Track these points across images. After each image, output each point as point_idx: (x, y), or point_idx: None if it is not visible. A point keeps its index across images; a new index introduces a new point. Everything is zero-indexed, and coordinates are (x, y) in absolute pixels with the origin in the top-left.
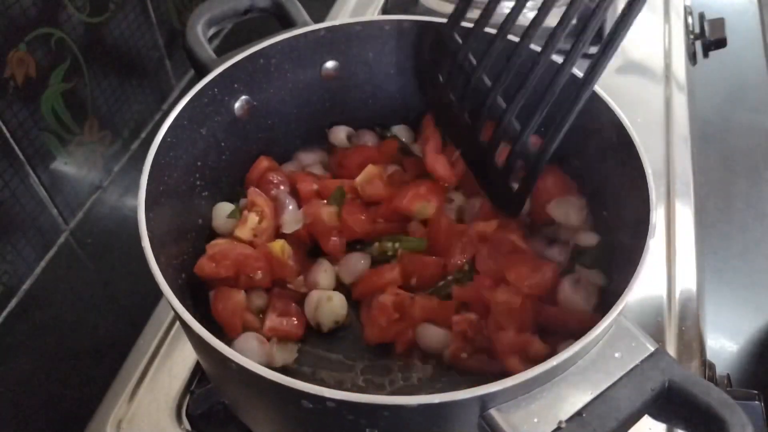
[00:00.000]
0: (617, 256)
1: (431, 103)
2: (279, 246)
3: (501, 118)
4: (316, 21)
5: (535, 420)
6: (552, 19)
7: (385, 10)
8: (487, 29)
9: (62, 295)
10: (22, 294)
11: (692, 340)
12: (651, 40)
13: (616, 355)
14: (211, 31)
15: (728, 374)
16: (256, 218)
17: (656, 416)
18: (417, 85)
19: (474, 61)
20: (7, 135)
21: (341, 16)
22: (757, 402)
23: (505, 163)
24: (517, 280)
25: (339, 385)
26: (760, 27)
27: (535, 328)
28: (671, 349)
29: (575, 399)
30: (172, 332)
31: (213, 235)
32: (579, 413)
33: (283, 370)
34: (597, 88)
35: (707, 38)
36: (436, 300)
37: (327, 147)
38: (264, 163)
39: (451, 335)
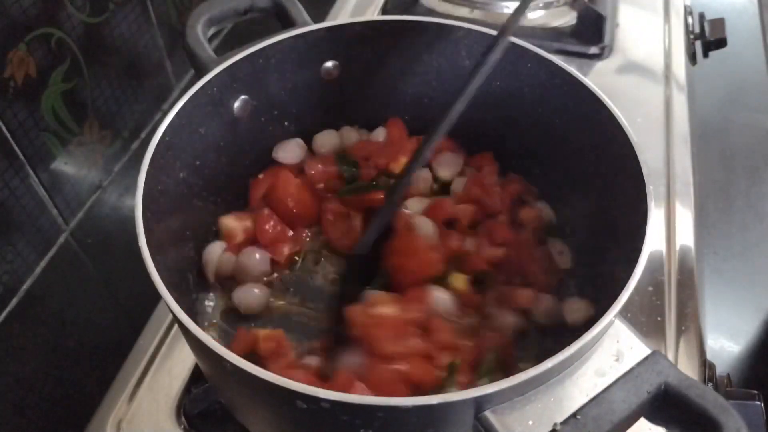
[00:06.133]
0: (614, 256)
1: None
2: None
3: None
4: (316, 21)
5: (530, 422)
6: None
7: (385, 10)
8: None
9: (62, 295)
10: (22, 294)
11: (692, 340)
12: (651, 40)
13: (612, 357)
14: (211, 31)
15: (728, 374)
16: None
17: (652, 419)
18: (417, 85)
19: None
20: (7, 135)
21: (341, 16)
22: (757, 402)
23: None
24: None
25: None
26: (760, 27)
27: None
28: (671, 350)
29: (570, 401)
30: (172, 332)
31: (212, 235)
32: (574, 415)
33: None
34: (596, 88)
35: (707, 38)
36: None
37: None
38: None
39: None
